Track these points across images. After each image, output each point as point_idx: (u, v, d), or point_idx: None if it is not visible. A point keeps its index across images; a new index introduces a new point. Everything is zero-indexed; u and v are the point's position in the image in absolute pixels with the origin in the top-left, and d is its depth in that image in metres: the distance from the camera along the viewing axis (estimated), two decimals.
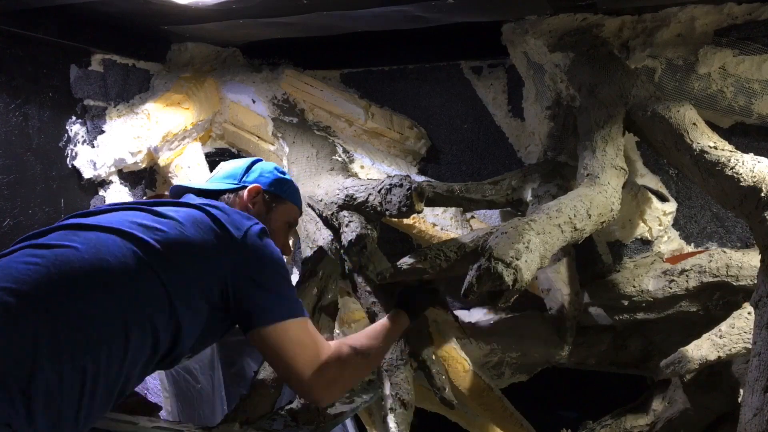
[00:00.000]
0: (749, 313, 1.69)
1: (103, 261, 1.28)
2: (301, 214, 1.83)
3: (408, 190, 1.71)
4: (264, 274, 1.42)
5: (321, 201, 2.06)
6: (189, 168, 2.52)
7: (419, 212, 1.77)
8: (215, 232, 1.41)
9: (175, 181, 2.51)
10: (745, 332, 1.68)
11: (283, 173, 1.79)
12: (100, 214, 1.44)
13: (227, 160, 2.64)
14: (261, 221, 1.56)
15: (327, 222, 2.03)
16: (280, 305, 1.42)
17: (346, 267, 2.00)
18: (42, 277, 1.22)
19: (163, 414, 1.82)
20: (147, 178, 2.62)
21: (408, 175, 1.80)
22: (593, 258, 2.11)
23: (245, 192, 1.68)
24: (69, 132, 2.41)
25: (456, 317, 2.08)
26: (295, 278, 2.61)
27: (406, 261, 1.70)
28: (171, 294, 1.31)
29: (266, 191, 1.71)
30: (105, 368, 1.22)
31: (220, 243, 1.40)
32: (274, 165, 1.80)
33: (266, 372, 1.72)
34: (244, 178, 1.72)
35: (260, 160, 1.80)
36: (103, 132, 2.47)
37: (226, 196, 1.69)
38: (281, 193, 1.73)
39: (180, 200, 1.58)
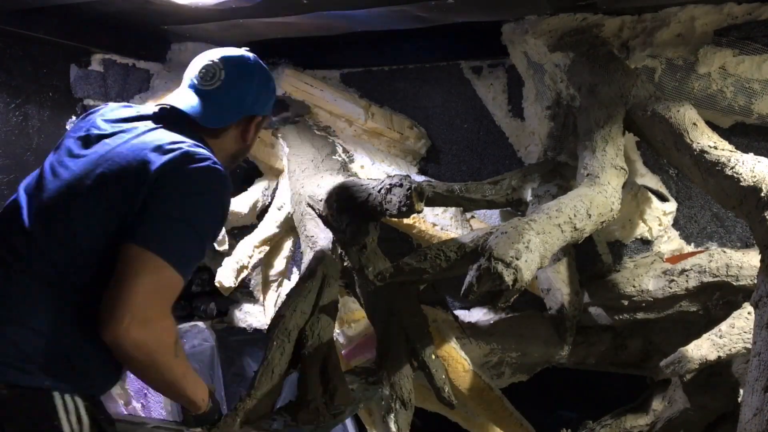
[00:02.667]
0: (749, 313, 1.69)
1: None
2: None
3: (408, 190, 1.71)
4: (167, 203, 1.33)
5: (321, 201, 2.06)
6: None
7: (419, 212, 1.77)
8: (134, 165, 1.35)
9: None
10: (745, 332, 1.68)
11: (270, 81, 1.64)
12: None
13: None
14: (249, 145, 1.60)
15: (327, 222, 2.03)
16: (167, 240, 1.31)
17: (346, 266, 2.00)
18: None
19: (163, 414, 1.83)
20: None
21: (408, 175, 1.80)
22: (593, 258, 2.10)
23: (250, 126, 1.59)
24: None
25: (456, 317, 2.08)
26: (294, 278, 2.62)
27: (406, 261, 1.70)
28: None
29: (263, 117, 1.64)
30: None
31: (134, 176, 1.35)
32: (262, 70, 1.62)
33: (266, 372, 1.72)
34: (247, 107, 1.57)
35: (244, 76, 1.58)
36: None
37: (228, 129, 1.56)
38: (269, 112, 1.68)
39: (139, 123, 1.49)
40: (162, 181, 1.34)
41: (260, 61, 1.62)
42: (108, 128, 1.47)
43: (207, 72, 1.55)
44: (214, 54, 1.57)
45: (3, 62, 2.13)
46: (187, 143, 1.41)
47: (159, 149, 1.37)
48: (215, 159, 1.43)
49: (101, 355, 1.32)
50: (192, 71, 1.56)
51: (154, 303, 1.30)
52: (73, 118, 2.43)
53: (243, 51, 1.63)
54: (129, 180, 1.35)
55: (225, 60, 1.56)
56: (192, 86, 1.55)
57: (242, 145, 1.62)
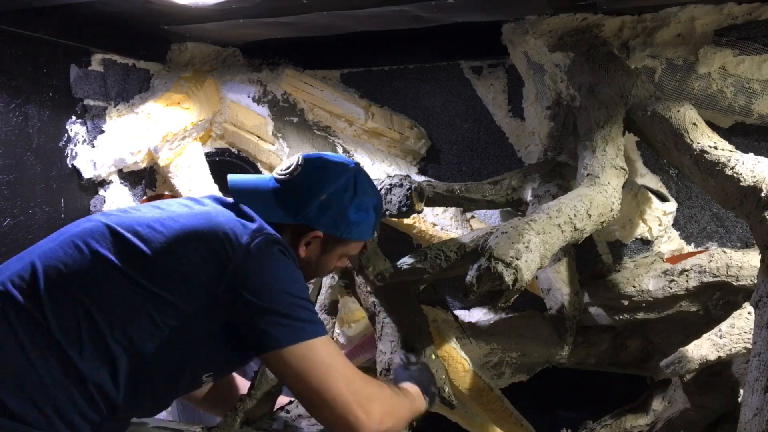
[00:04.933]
0: (749, 313, 1.69)
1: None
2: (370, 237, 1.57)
3: (408, 190, 1.71)
4: (264, 293, 1.27)
5: None
6: (189, 168, 2.52)
7: (419, 212, 1.77)
8: (211, 249, 1.28)
9: (175, 181, 2.51)
10: (745, 332, 1.68)
11: (364, 209, 1.46)
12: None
13: (227, 160, 2.67)
14: (309, 261, 1.44)
15: None
16: (290, 326, 1.27)
17: (346, 266, 2.00)
18: None
19: (162, 414, 1.83)
20: (147, 178, 2.62)
21: (408, 175, 1.80)
22: (593, 258, 2.10)
23: (302, 237, 1.42)
24: (69, 132, 2.41)
25: (456, 317, 2.08)
26: None
27: (406, 261, 1.70)
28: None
29: (327, 235, 1.44)
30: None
31: (214, 261, 1.27)
32: (360, 192, 1.45)
33: (266, 372, 1.72)
34: (308, 210, 1.41)
35: (351, 177, 1.45)
36: (103, 132, 2.47)
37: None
38: (346, 237, 1.46)
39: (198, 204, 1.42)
40: (241, 278, 1.27)
41: (357, 180, 1.45)
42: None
43: (287, 162, 1.48)
44: (310, 154, 1.49)
45: (3, 62, 2.13)
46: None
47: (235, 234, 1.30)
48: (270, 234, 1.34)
49: None
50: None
51: (348, 378, 1.28)
52: (73, 118, 2.43)
53: (347, 160, 1.51)
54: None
55: (306, 158, 1.47)
56: (275, 174, 1.47)
57: (298, 256, 1.42)
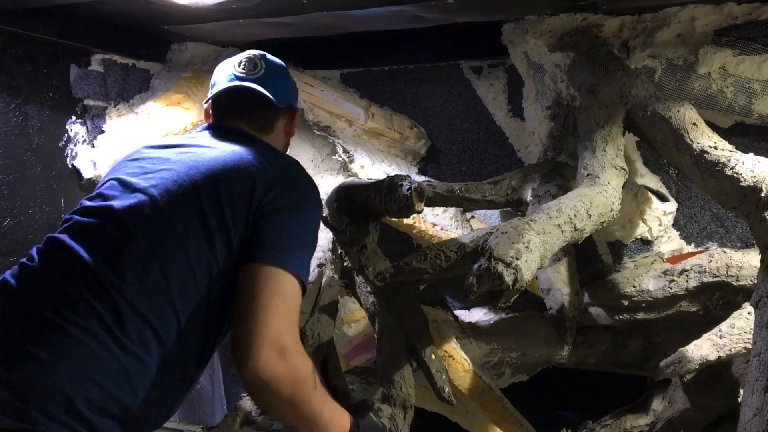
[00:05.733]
0: (749, 313, 1.69)
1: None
2: None
3: (408, 190, 1.71)
4: (293, 209, 1.30)
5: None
6: None
7: (419, 212, 1.77)
8: (252, 174, 1.31)
9: None
10: (745, 332, 1.68)
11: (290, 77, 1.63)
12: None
13: None
14: (287, 139, 1.59)
15: (327, 222, 2.03)
16: (290, 253, 1.26)
17: (346, 266, 2.00)
18: None
19: None
20: None
21: (408, 175, 1.80)
22: (593, 258, 2.10)
23: (292, 118, 1.60)
24: (69, 132, 2.41)
25: (456, 317, 2.08)
26: None
27: (406, 261, 1.70)
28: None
29: (294, 109, 1.63)
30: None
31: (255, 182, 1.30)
32: (283, 66, 1.61)
33: None
34: (291, 93, 1.59)
35: (281, 69, 1.60)
36: (103, 132, 2.47)
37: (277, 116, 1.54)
38: (297, 106, 1.65)
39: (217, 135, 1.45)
40: (282, 179, 1.33)
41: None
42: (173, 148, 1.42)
43: (249, 62, 1.54)
44: (242, 53, 1.57)
45: (3, 62, 2.13)
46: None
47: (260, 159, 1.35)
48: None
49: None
50: (227, 69, 1.54)
51: (290, 328, 1.22)
52: (73, 118, 2.43)
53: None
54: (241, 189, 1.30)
55: (260, 53, 1.59)
56: (237, 78, 1.51)
57: (286, 140, 1.61)
